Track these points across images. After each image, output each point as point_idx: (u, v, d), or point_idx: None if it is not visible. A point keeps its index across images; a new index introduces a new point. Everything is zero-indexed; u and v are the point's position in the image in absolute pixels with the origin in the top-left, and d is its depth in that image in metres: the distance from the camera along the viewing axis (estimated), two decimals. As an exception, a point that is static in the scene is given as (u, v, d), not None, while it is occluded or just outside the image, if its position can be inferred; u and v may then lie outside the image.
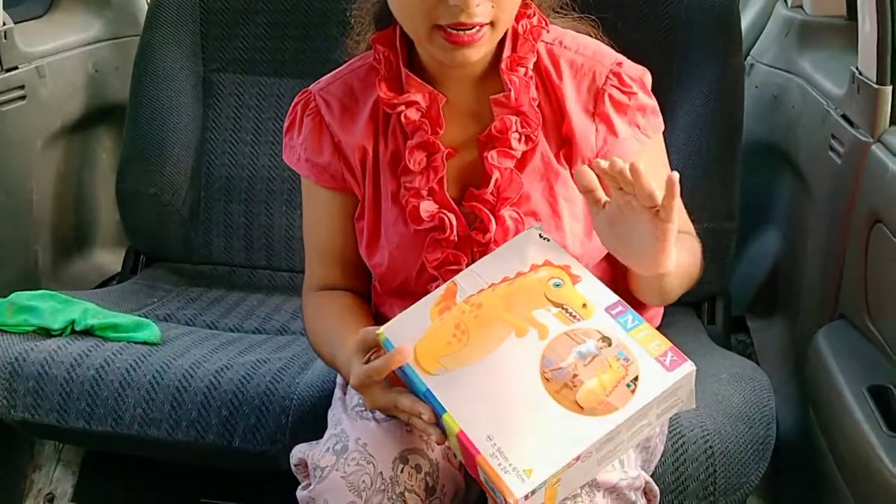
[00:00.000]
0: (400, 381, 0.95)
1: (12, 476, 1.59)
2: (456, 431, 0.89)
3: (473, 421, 0.89)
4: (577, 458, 0.85)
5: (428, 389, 0.91)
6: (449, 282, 0.97)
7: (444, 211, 1.07)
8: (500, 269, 0.97)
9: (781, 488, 1.44)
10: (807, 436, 1.29)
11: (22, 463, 1.61)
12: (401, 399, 0.93)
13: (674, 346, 0.89)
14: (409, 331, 0.95)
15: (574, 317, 0.92)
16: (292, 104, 1.15)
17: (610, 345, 0.90)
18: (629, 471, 0.99)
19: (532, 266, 0.96)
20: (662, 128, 1.11)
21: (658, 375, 0.88)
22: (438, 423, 0.91)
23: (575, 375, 0.88)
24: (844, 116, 1.36)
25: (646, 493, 1.02)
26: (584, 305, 0.93)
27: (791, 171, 1.62)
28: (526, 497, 0.84)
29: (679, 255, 0.99)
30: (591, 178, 0.92)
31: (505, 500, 0.84)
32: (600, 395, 0.87)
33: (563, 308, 0.93)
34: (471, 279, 0.97)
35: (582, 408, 0.87)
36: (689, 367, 0.88)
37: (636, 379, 0.88)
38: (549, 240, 0.98)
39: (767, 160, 1.73)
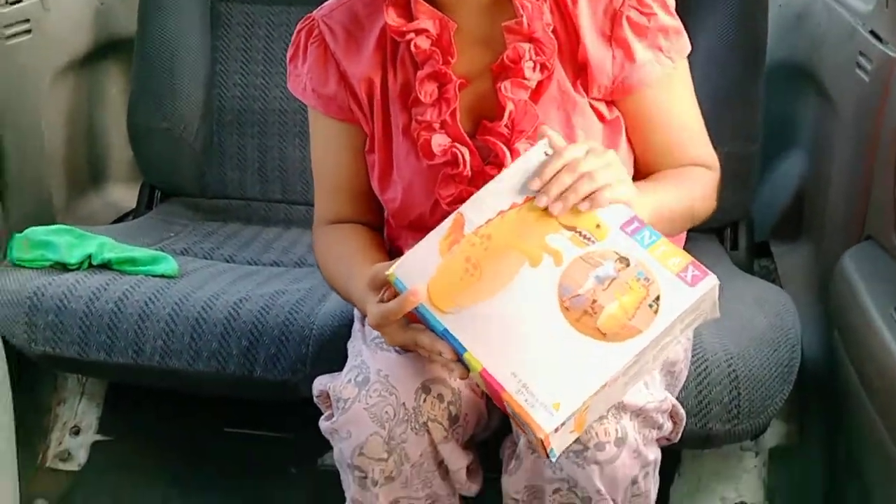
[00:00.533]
0: (417, 318, 0.93)
1: (37, 410, 1.60)
2: (479, 369, 0.87)
3: (495, 358, 0.87)
4: (604, 386, 0.83)
5: (445, 329, 0.89)
6: (455, 213, 0.93)
7: (457, 145, 1.03)
8: (507, 195, 0.92)
9: (805, 412, 1.44)
10: (832, 359, 1.28)
11: (46, 396, 1.62)
12: (420, 337, 0.91)
13: (695, 261, 0.86)
14: (419, 268, 0.92)
15: (588, 239, 0.89)
16: (296, 31, 1.12)
17: (628, 265, 0.87)
18: (656, 393, 0.98)
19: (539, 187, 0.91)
20: (689, 50, 1.06)
21: (680, 292, 0.84)
22: (460, 359, 0.89)
23: (594, 301, 0.86)
24: (872, 32, 1.32)
25: (672, 416, 1.01)
26: (598, 226, 0.89)
27: (816, 91, 1.57)
28: (556, 430, 0.83)
29: (667, 198, 0.99)
30: None
31: (535, 434, 0.83)
32: (622, 320, 0.85)
33: (576, 231, 0.89)
34: (478, 208, 0.93)
35: (604, 334, 0.84)
36: (711, 280, 0.85)
37: (658, 299, 0.84)
38: (549, 153, 0.93)
39: (791, 81, 1.68)
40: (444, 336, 0.89)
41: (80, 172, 1.84)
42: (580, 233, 0.89)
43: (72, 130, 1.80)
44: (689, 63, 1.56)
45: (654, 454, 0.98)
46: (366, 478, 0.98)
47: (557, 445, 0.84)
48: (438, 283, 0.90)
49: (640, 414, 0.95)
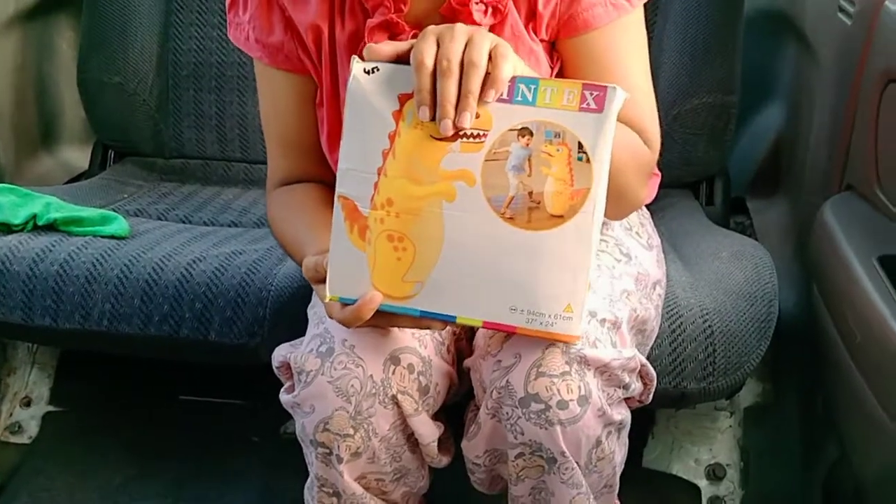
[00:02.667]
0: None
1: (-14, 381, 1.54)
2: (480, 325, 0.83)
3: (486, 305, 0.82)
4: (591, 254, 0.79)
5: (422, 311, 0.83)
6: (337, 199, 0.83)
7: None
8: (370, 147, 0.81)
9: (781, 370, 1.40)
10: (809, 314, 1.23)
11: (-5, 367, 1.56)
12: (398, 321, 0.86)
13: (585, 82, 0.77)
14: (352, 274, 0.83)
15: (478, 137, 0.79)
16: None
17: (532, 134, 0.78)
18: (623, 350, 0.92)
19: (393, 114, 0.80)
20: None
21: (596, 124, 0.76)
22: (451, 323, 0.85)
23: (530, 193, 0.78)
24: (855, -27, 1.26)
25: (642, 376, 0.95)
26: (476, 114, 0.79)
27: (795, 38, 1.52)
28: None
29: None
30: None
31: (571, 344, 0.85)
32: (566, 190, 0.78)
33: (461, 137, 0.79)
34: (354, 181, 0.82)
35: (562, 216, 0.78)
36: (614, 91, 0.77)
37: (581, 146, 0.77)
38: (377, 68, 0.80)
39: (770, 29, 1.63)
40: (425, 315, 0.84)
41: (29, 131, 1.75)
42: (465, 135, 0.79)
43: (19, 87, 1.71)
44: (666, 9, 1.52)
45: (621, 415, 0.92)
46: (330, 454, 0.93)
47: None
48: (381, 276, 0.83)
49: (604, 371, 0.89)
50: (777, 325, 1.19)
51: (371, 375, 0.90)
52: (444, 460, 1.00)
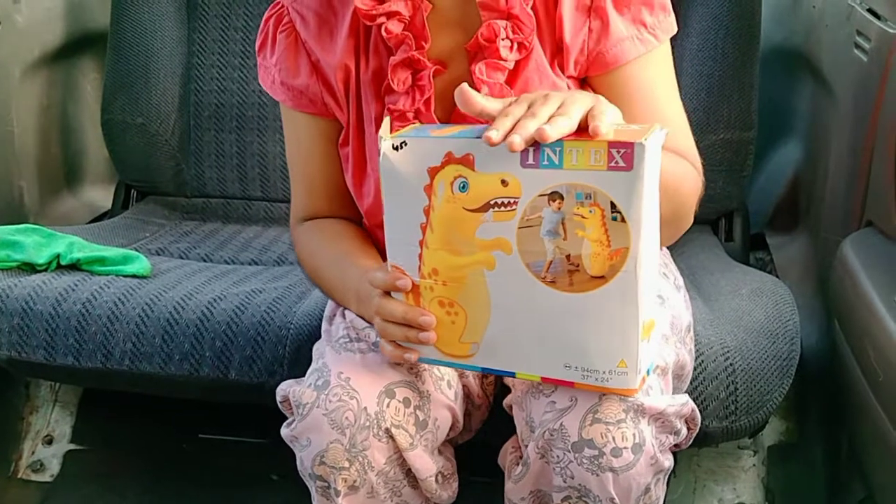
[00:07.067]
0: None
1: (9, 419, 1.55)
2: (538, 380, 0.85)
3: (540, 362, 0.83)
4: (640, 309, 0.78)
5: (483, 368, 0.87)
6: (389, 268, 0.87)
7: None
8: (408, 221, 0.83)
9: (805, 407, 1.38)
10: (832, 352, 1.22)
11: (18, 405, 1.57)
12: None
13: (609, 140, 0.74)
14: None
15: (508, 205, 0.79)
16: (263, 19, 1.06)
17: (562, 198, 0.77)
18: (677, 397, 0.92)
19: (425, 189, 0.82)
20: (675, 30, 0.98)
21: (626, 182, 0.74)
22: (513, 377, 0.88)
23: (567, 256, 0.78)
24: (870, 10, 1.27)
25: (687, 421, 0.94)
26: (504, 182, 0.78)
27: (812, 75, 1.52)
28: (642, 379, 0.82)
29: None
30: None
31: (628, 396, 0.84)
32: (604, 251, 0.77)
33: (492, 207, 0.79)
34: (401, 252, 0.86)
35: (603, 276, 0.77)
36: (641, 147, 0.73)
37: (613, 206, 0.75)
38: (405, 143, 0.82)
39: (787, 66, 1.63)
40: (485, 371, 0.87)
41: (53, 171, 1.78)
42: (496, 204, 0.79)
43: (44, 127, 1.74)
44: (683, 47, 1.53)
45: (669, 461, 0.91)
46: (328, 488, 0.92)
47: (644, 373, 0.83)
48: (441, 338, 0.87)
49: (659, 418, 0.88)
50: (799, 363, 1.18)
51: (365, 408, 0.90)
52: (444, 496, 0.99)
